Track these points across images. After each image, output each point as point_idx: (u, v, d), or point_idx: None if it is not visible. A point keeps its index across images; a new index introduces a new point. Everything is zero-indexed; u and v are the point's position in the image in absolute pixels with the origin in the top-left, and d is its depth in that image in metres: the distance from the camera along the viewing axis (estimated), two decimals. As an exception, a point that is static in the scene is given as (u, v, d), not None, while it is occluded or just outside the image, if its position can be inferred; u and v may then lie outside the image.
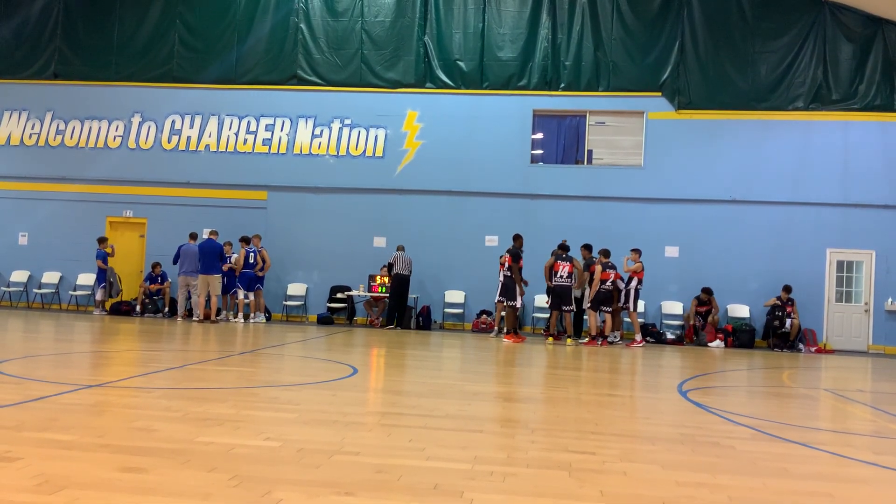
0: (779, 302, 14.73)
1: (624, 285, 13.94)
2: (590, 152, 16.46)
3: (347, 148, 16.85)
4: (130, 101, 17.46)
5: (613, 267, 13.72)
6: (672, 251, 15.83)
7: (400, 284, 15.23)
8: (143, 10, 17.57)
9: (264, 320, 15.65)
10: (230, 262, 15.41)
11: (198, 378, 7.24)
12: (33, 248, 17.43)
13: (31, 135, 17.72)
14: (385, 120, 16.78)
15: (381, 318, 16.02)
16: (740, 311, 15.50)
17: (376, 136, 16.79)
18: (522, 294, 13.84)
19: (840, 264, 15.54)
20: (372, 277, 16.02)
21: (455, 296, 16.29)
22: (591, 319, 13.57)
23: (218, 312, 15.13)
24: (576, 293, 13.95)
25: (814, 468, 4.60)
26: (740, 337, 14.76)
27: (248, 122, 17.17)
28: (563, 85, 16.35)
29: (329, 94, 16.95)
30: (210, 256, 14.81)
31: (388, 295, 15.63)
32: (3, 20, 17.92)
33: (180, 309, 15.37)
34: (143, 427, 4.73)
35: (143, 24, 17.55)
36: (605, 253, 13.74)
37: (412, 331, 15.13)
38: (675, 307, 15.68)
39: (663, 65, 16.10)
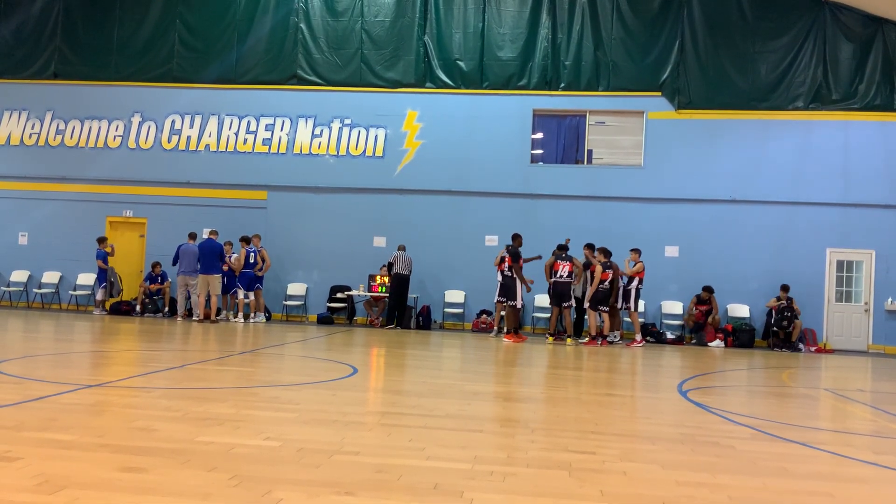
0: (784, 302, 14.71)
1: (625, 285, 13.95)
2: (590, 152, 16.46)
3: (347, 148, 16.85)
4: (130, 100, 17.46)
5: (611, 266, 13.72)
6: (672, 251, 15.83)
7: (400, 284, 15.23)
8: (143, 10, 17.57)
9: (264, 320, 15.65)
10: (230, 262, 15.40)
11: (198, 378, 7.24)
12: (33, 248, 17.43)
13: (31, 134, 17.72)
14: (385, 120, 16.78)
15: (381, 318, 16.02)
16: (740, 310, 15.50)
17: (376, 136, 16.79)
18: (529, 290, 13.83)
19: (840, 264, 15.54)
20: (372, 277, 16.03)
21: (455, 295, 16.30)
22: (591, 319, 13.58)
23: (218, 312, 15.13)
24: (576, 292, 13.98)
25: (814, 468, 4.60)
26: (740, 337, 14.76)
27: (248, 122, 17.17)
28: (563, 85, 16.35)
29: (329, 94, 16.95)
30: (210, 256, 14.81)
31: (387, 295, 15.63)
32: (3, 20, 17.92)
33: (180, 309, 15.37)
34: (143, 427, 4.73)
35: (143, 23, 17.55)
36: (604, 252, 13.73)
37: (412, 330, 15.13)
38: (675, 307, 15.68)
39: (663, 65, 16.10)
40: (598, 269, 13.43)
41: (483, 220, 16.24)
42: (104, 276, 15.98)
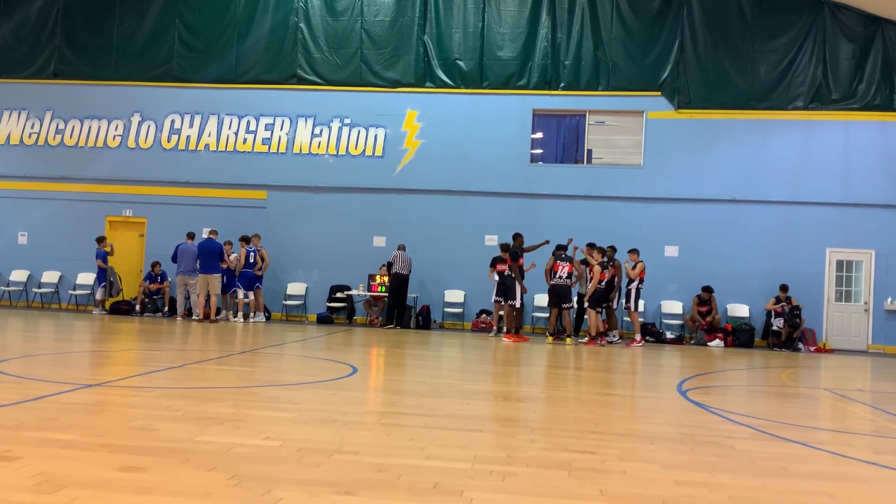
0: (786, 304, 14.68)
1: (625, 285, 13.95)
2: (589, 152, 16.46)
3: (347, 147, 16.85)
4: (130, 100, 17.46)
5: (613, 265, 13.74)
6: (672, 251, 15.83)
7: (399, 284, 15.22)
8: (142, 10, 17.56)
9: (264, 320, 15.64)
10: (228, 261, 15.38)
11: (197, 377, 7.24)
12: (33, 248, 17.42)
13: (30, 134, 17.72)
14: (385, 119, 16.78)
15: (380, 318, 16.02)
16: (740, 310, 15.50)
17: (376, 136, 16.79)
18: (525, 291, 13.82)
19: (840, 264, 15.55)
20: (371, 277, 16.02)
21: (455, 295, 16.30)
22: (592, 319, 13.57)
23: (218, 312, 15.12)
24: (579, 289, 14.00)
25: (813, 467, 4.60)
26: (740, 336, 14.76)
27: (248, 122, 17.17)
28: (562, 84, 16.35)
29: (329, 94, 16.94)
30: (210, 256, 14.80)
31: (387, 294, 15.62)
32: (2, 19, 17.91)
33: (180, 308, 15.37)
34: (142, 426, 4.72)
35: (143, 23, 17.54)
36: (602, 252, 13.73)
37: (412, 330, 15.13)
38: (674, 307, 15.68)
39: (663, 64, 16.10)
40: (597, 268, 13.43)
41: (483, 219, 16.24)
42: (104, 275, 15.97)
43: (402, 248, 15.46)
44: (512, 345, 12.67)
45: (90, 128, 17.55)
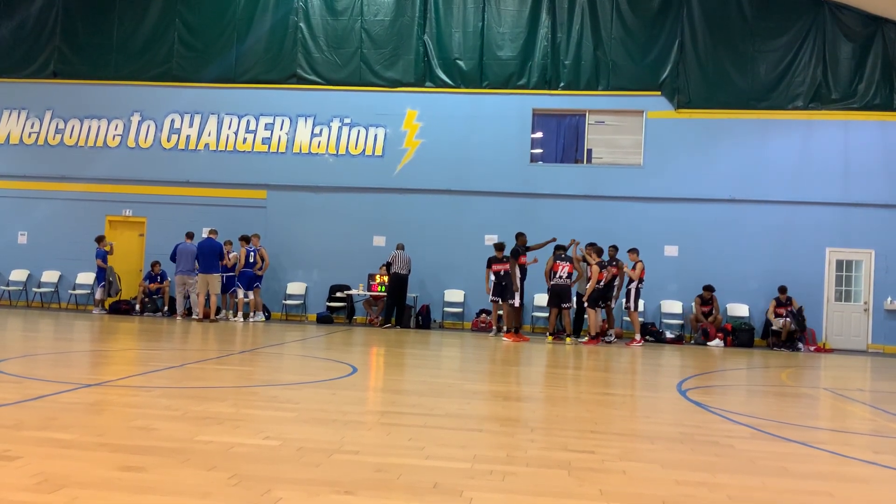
0: (789, 305, 14.66)
1: (625, 284, 13.96)
2: (589, 151, 16.46)
3: (347, 147, 16.85)
4: (130, 100, 17.46)
5: (614, 264, 13.75)
6: (672, 250, 15.83)
7: (398, 283, 15.21)
8: (142, 9, 17.56)
9: (263, 319, 15.65)
10: (228, 259, 15.39)
11: (197, 377, 7.24)
12: (33, 247, 17.42)
13: (30, 134, 17.72)
14: (384, 119, 16.78)
15: (380, 318, 16.01)
16: (740, 310, 15.50)
17: (376, 136, 16.79)
18: (516, 289, 13.75)
19: (839, 263, 15.55)
20: (371, 276, 16.03)
21: (454, 295, 16.30)
22: (591, 318, 13.58)
23: (217, 311, 15.12)
24: (578, 288, 14.01)
25: (813, 467, 4.60)
26: (740, 336, 14.75)
27: (248, 121, 17.17)
28: (562, 84, 16.35)
29: (328, 93, 16.94)
30: (209, 255, 14.80)
31: (385, 294, 15.62)
32: (2, 19, 17.91)
33: (179, 308, 15.36)
34: (142, 426, 4.72)
35: (143, 23, 17.54)
36: (599, 251, 13.74)
37: (412, 330, 15.13)
38: (674, 306, 15.68)
39: (663, 64, 16.10)
40: (595, 268, 13.44)
41: (482, 219, 16.24)
42: (103, 275, 15.97)
43: (400, 247, 15.45)
44: (512, 344, 12.67)
45: (90, 127, 17.55)
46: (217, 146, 17.18)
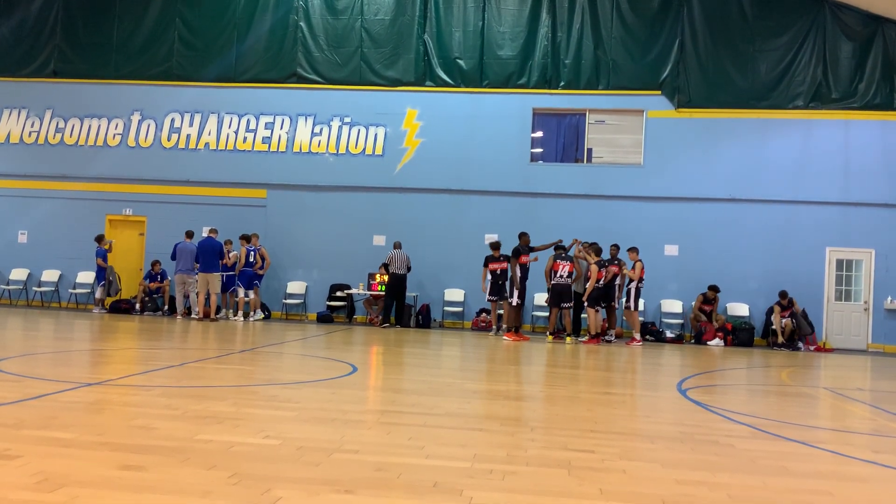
0: (794, 309, 14.64)
1: (625, 284, 13.95)
2: (589, 151, 16.46)
3: (347, 146, 16.85)
4: (130, 99, 17.45)
5: (615, 264, 13.75)
6: (672, 250, 15.83)
7: (397, 283, 15.18)
8: (142, 8, 17.55)
9: (262, 317, 15.65)
10: (228, 258, 15.38)
11: (197, 376, 7.24)
12: (33, 247, 17.42)
13: (30, 133, 17.71)
14: (385, 118, 16.77)
15: (379, 317, 16.01)
16: (740, 309, 15.49)
17: (376, 135, 16.79)
18: (517, 288, 13.76)
19: (839, 263, 15.54)
20: (371, 276, 16.02)
21: (455, 294, 16.29)
22: (591, 318, 13.58)
23: (217, 310, 15.12)
24: (577, 288, 14.01)
25: (813, 466, 4.60)
26: (740, 335, 14.75)
27: (248, 121, 17.16)
28: (562, 83, 16.34)
29: (329, 93, 16.94)
30: (209, 255, 14.80)
31: (384, 293, 15.59)
32: (2, 18, 17.90)
33: (179, 307, 15.36)
34: (142, 425, 4.72)
35: (143, 22, 17.54)
36: (599, 251, 13.74)
37: (412, 329, 15.13)
38: (674, 306, 15.68)
39: (663, 63, 16.09)
40: (594, 267, 13.44)
41: (483, 218, 16.24)
42: (103, 274, 15.97)
43: (397, 245, 15.42)
44: (512, 344, 12.67)
45: (90, 126, 17.54)
46: (217, 145, 17.18)
